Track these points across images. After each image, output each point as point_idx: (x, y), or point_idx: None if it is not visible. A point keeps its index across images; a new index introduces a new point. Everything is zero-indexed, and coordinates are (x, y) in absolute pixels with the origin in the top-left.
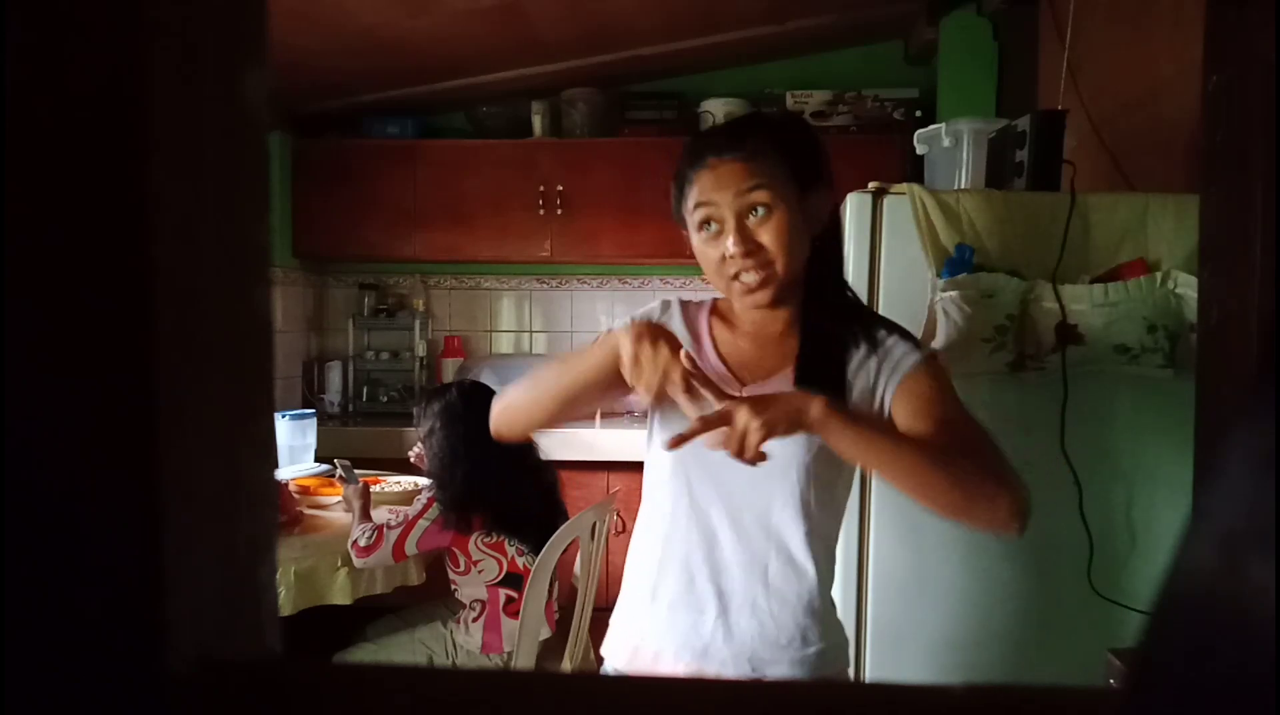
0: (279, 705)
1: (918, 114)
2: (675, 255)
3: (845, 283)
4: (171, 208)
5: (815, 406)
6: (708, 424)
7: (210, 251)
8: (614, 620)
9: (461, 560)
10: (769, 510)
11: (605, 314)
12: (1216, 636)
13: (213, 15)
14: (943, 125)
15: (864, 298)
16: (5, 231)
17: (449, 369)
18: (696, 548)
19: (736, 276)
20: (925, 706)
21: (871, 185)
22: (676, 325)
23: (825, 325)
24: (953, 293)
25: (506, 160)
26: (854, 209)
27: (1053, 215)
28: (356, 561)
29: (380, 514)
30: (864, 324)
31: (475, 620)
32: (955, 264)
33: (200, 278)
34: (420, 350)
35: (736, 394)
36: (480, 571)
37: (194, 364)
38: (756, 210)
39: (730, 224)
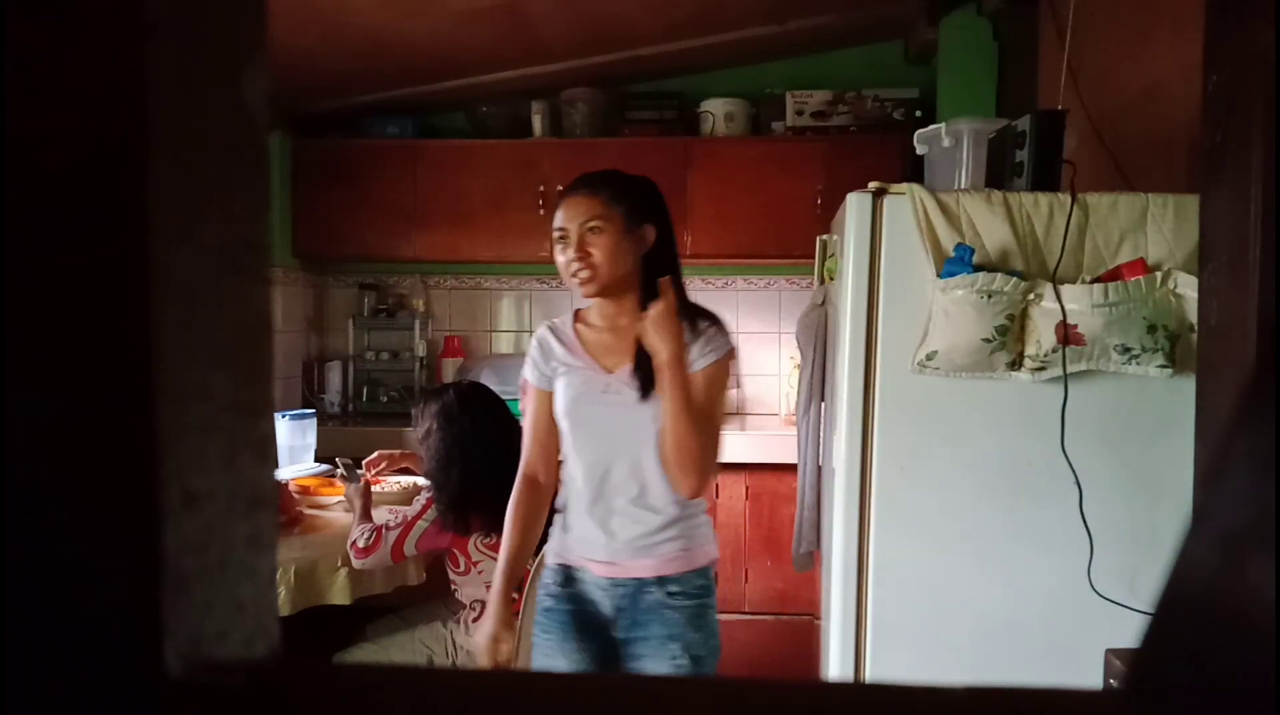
0: (279, 705)
1: (918, 114)
2: None
3: (679, 286)
4: (171, 208)
5: (671, 346)
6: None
7: (210, 251)
8: (551, 531)
9: (461, 561)
10: (638, 452)
11: None
12: (1216, 636)
13: (213, 15)
14: (943, 125)
15: (865, 297)
16: (5, 231)
17: (449, 369)
18: (591, 478)
19: (575, 274)
20: (925, 706)
21: (871, 185)
22: (553, 343)
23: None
24: (953, 293)
25: (506, 160)
26: (854, 209)
27: (1052, 215)
28: (355, 562)
29: (380, 514)
30: (690, 315)
31: (475, 620)
32: (955, 264)
33: (200, 277)
34: (420, 350)
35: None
36: (480, 572)
37: (194, 363)
38: (592, 229)
39: (573, 238)
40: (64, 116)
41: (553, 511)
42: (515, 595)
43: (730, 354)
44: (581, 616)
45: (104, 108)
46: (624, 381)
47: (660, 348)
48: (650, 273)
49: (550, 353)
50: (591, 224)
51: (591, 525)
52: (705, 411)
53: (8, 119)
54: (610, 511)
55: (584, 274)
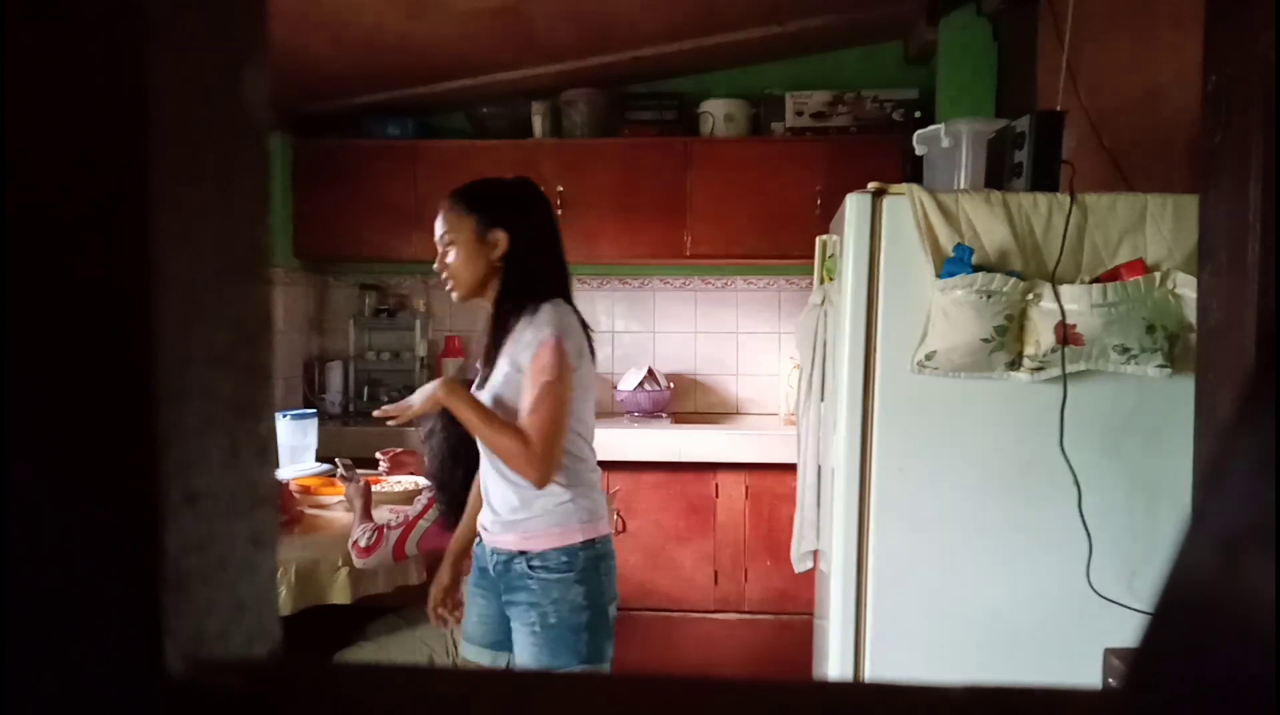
0: (280, 704)
1: (917, 114)
2: (674, 255)
3: (526, 288)
4: (172, 208)
5: (442, 389)
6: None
7: (210, 251)
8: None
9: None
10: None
11: (605, 314)
12: (1215, 636)
13: (213, 15)
14: (942, 126)
15: (864, 298)
16: (5, 231)
17: (449, 369)
18: (483, 459)
19: (442, 282)
20: (925, 706)
21: (871, 186)
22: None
23: (502, 315)
24: (952, 293)
25: (507, 161)
26: (854, 210)
27: (1051, 216)
28: (357, 562)
29: (381, 514)
30: (525, 317)
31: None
32: (954, 264)
33: (201, 277)
34: (421, 350)
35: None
36: None
37: (194, 365)
38: (447, 242)
39: (438, 249)
40: (64, 117)
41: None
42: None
43: (541, 348)
44: (481, 575)
45: (104, 108)
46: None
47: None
48: (517, 273)
49: None
50: (446, 237)
51: (485, 500)
52: (533, 403)
53: (8, 119)
54: (490, 490)
55: (448, 282)
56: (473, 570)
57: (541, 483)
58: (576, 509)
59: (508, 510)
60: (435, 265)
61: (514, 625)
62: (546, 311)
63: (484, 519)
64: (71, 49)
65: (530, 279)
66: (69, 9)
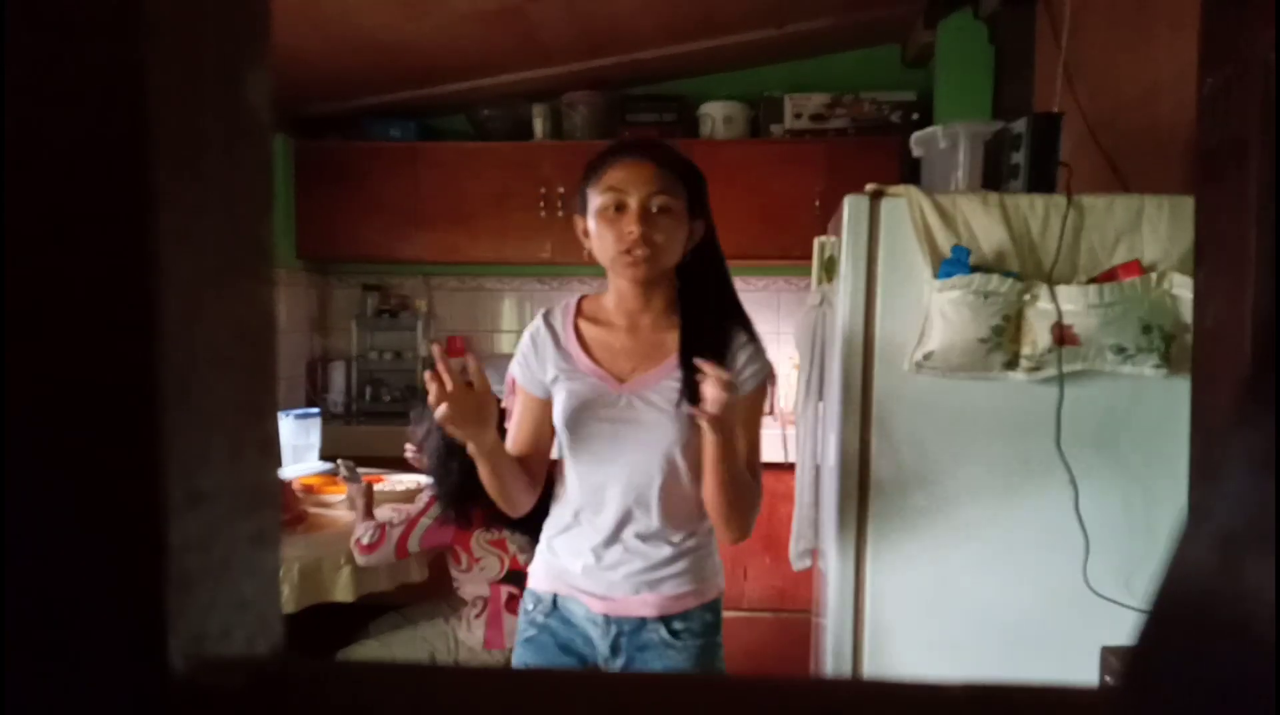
0: (282, 703)
1: (915, 116)
2: None
3: (730, 285)
4: (174, 208)
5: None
6: (716, 385)
7: (213, 252)
8: (537, 551)
9: (464, 558)
10: (650, 477)
11: None
12: (1213, 636)
13: (215, 16)
14: (939, 128)
15: (863, 299)
16: (5, 232)
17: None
18: (592, 502)
19: (629, 251)
20: (924, 705)
21: (869, 187)
22: (549, 342)
23: (706, 319)
24: (949, 294)
25: (508, 162)
26: (851, 211)
27: (1048, 217)
28: (359, 559)
29: (383, 512)
30: (744, 323)
31: (478, 617)
32: (952, 265)
33: (203, 278)
34: (423, 350)
35: (614, 390)
36: (483, 569)
37: (197, 364)
38: (661, 208)
39: (634, 209)
40: (65, 117)
41: (538, 525)
42: (517, 591)
43: (770, 376)
44: (568, 651)
45: (105, 108)
46: (640, 395)
47: (720, 432)
48: (686, 274)
49: (545, 353)
50: (661, 202)
51: (587, 553)
52: (751, 448)
53: (7, 119)
54: (610, 541)
55: (640, 253)
56: (538, 646)
57: (746, 537)
58: (716, 550)
59: (645, 567)
60: (622, 227)
61: None
62: (759, 340)
63: (590, 581)
64: (72, 49)
65: (733, 291)
66: (69, 8)
